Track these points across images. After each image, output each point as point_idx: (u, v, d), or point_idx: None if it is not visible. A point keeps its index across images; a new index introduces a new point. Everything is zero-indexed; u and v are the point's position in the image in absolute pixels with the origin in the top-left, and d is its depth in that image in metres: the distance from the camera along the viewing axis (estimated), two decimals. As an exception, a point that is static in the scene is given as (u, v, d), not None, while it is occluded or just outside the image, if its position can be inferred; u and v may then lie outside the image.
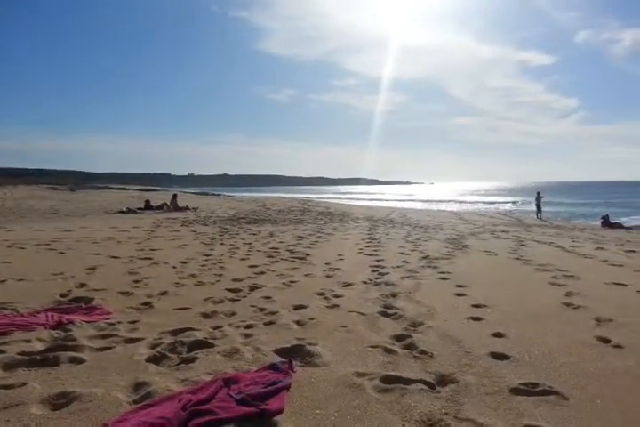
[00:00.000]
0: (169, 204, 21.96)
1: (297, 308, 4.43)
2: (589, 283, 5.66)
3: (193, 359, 3.05)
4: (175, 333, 3.62)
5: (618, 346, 3.36)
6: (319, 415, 2.29)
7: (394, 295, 4.97)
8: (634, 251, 9.59)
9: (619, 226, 21.09)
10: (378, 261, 7.36)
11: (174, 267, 6.63)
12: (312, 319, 4.01)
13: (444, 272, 6.35)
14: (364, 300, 4.78)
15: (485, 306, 4.50)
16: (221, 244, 9.37)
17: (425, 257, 7.76)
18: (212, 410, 2.23)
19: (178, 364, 3.01)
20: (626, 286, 5.52)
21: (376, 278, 5.92)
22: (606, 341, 3.48)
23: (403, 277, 5.97)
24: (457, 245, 9.68)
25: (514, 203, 49.52)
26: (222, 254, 7.86)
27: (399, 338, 3.53)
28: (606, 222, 21.31)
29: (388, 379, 2.71)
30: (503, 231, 14.17)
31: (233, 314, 4.20)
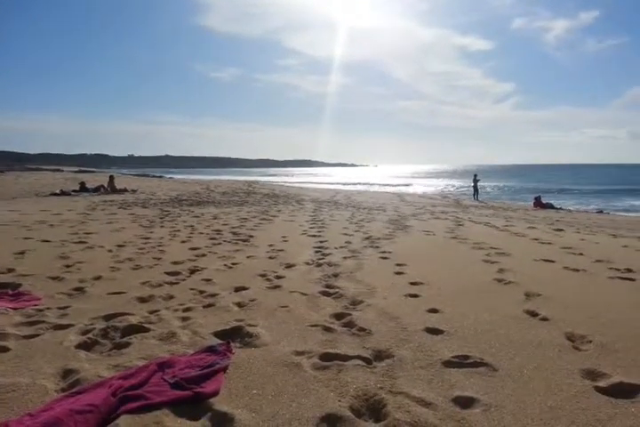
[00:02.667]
0: (106, 186, 21.08)
1: (238, 289, 4.38)
2: (520, 260, 5.95)
3: (126, 345, 2.95)
4: (108, 318, 3.49)
5: (544, 319, 3.54)
6: (256, 396, 2.28)
7: (336, 275, 5.02)
8: (562, 230, 10.19)
9: (549, 206, 22.30)
10: (321, 242, 7.39)
11: (110, 251, 6.37)
12: (253, 301, 3.98)
13: (384, 252, 6.47)
14: (306, 280, 4.80)
15: (422, 283, 4.63)
16: (161, 227, 9.09)
17: (367, 238, 7.88)
18: (144, 395, 2.17)
19: (110, 350, 2.90)
20: (554, 262, 5.84)
21: (319, 259, 5.95)
22: (534, 314, 3.66)
23: (345, 258, 6.03)
24: (398, 225, 9.90)
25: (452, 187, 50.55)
26: (162, 237, 7.63)
27: (339, 316, 3.57)
28: (538, 203, 22.46)
29: (326, 356, 2.74)
30: (442, 212, 14.63)
31: (171, 297, 4.09)
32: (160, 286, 4.50)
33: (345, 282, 4.71)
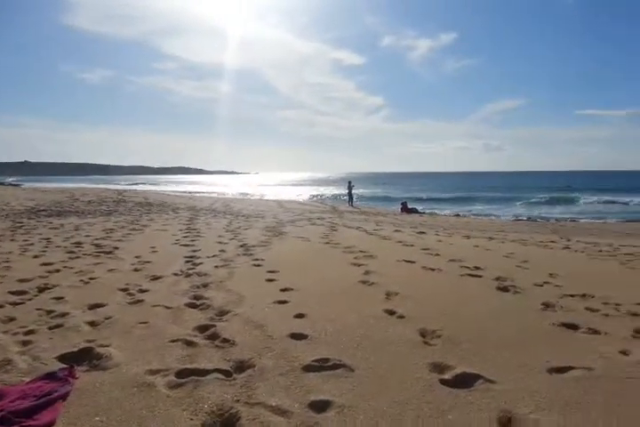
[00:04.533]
0: (-55, 195, 18.37)
1: (92, 307, 4.02)
2: (384, 262, 6.28)
3: (-53, 378, 2.55)
4: None
5: (401, 317, 3.75)
6: (98, 423, 2.09)
7: (205, 285, 4.86)
8: (424, 232, 10.99)
9: (415, 211, 24.05)
10: (194, 251, 7.15)
11: (-58, 270, 5.53)
12: (109, 318, 3.68)
13: (258, 259, 6.43)
14: (172, 292, 4.57)
15: (292, 289, 4.66)
16: (12, 240, 8.12)
17: (242, 245, 7.78)
18: (-40, 437, 1.87)
19: None
20: (413, 262, 6.26)
21: (189, 269, 5.72)
22: (392, 313, 3.86)
23: (217, 267, 5.88)
24: (275, 232, 9.93)
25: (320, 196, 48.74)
26: (10, 252, 6.81)
27: (203, 329, 3.44)
28: (404, 208, 24.09)
29: (182, 373, 2.61)
30: (319, 218, 15.00)
31: (11, 320, 3.63)
32: (0, 307, 3.99)
33: (214, 292, 4.58)
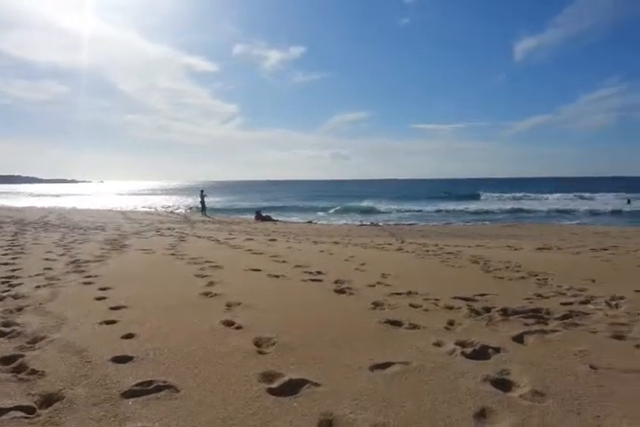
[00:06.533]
0: None
1: None
2: (230, 271, 6.18)
3: None
4: None
5: (239, 327, 3.68)
6: None
7: (19, 309, 4.27)
8: (275, 240, 11.14)
9: (269, 219, 24.33)
10: (13, 270, 6.28)
11: None
12: None
13: (90, 276, 5.87)
14: (-24, 320, 3.93)
15: (125, 307, 4.32)
16: None
17: (74, 261, 7.07)
18: None
19: None
20: (260, 271, 6.26)
21: (2, 292, 5.00)
22: (230, 324, 3.77)
23: (38, 287, 5.23)
24: (115, 245, 9.24)
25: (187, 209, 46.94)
26: None
27: (8, 360, 2.98)
28: (259, 216, 24.26)
29: (-29, 416, 2.22)
30: (169, 229, 14.37)
31: None
32: None
33: (29, 316, 4.04)
